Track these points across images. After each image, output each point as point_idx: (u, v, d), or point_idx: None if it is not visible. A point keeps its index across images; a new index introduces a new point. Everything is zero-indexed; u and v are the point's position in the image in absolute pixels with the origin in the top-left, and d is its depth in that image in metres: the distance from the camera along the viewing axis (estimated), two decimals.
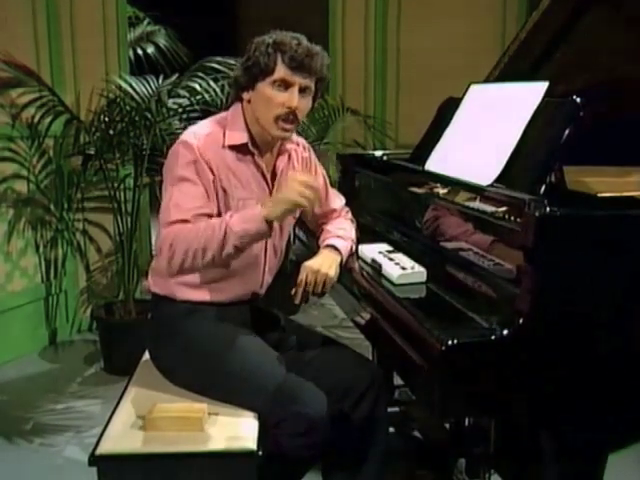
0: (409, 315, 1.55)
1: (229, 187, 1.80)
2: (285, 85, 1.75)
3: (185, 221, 1.70)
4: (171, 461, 1.63)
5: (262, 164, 1.86)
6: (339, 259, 1.91)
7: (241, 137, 1.82)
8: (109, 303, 3.59)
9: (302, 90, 1.76)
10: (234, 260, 1.78)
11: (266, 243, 1.89)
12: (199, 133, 1.80)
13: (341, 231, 2.01)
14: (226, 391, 1.76)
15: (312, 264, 1.84)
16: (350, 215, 2.13)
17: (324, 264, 1.85)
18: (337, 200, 2.12)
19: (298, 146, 1.99)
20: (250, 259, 1.86)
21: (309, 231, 2.18)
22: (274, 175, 1.90)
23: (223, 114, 1.89)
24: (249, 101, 1.81)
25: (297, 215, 1.99)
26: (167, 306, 1.87)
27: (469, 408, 1.48)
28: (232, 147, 1.81)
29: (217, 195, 1.79)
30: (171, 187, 1.76)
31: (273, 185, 1.89)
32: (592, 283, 1.40)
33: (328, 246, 1.94)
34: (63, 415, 2.91)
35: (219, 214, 1.77)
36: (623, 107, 1.97)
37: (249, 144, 1.82)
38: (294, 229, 2.24)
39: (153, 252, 4.18)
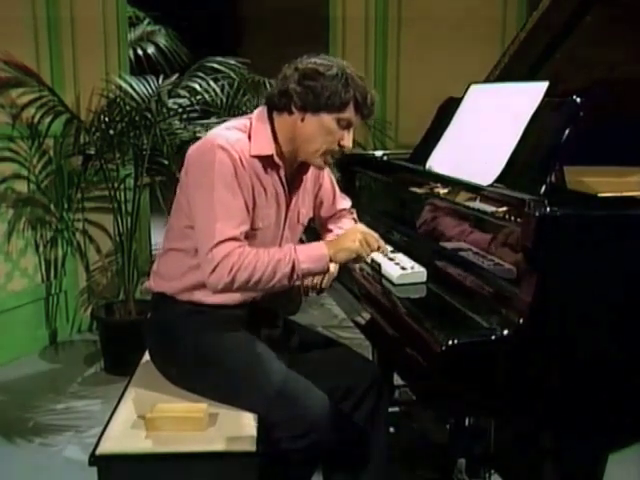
0: (409, 315, 1.55)
1: (258, 197, 1.77)
2: (346, 124, 1.76)
3: (235, 239, 1.67)
4: (171, 461, 1.63)
5: (284, 178, 1.83)
6: None
7: (267, 148, 1.77)
8: (109, 303, 3.59)
9: None
10: None
11: None
12: (230, 138, 1.73)
13: (341, 230, 2.01)
14: (226, 392, 1.76)
15: None
16: (355, 216, 2.14)
17: None
18: (343, 202, 2.13)
19: None
20: None
21: (314, 231, 2.18)
22: (293, 186, 1.88)
23: (242, 120, 1.83)
24: (302, 120, 1.74)
25: (305, 222, 1.99)
26: (168, 307, 1.87)
27: (469, 408, 1.48)
28: (257, 157, 1.77)
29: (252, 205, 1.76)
30: (210, 196, 1.68)
31: (291, 198, 1.87)
32: (592, 283, 1.40)
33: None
34: (63, 415, 2.91)
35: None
36: (623, 107, 1.97)
37: (274, 155, 1.78)
38: None
39: (153, 252, 4.19)
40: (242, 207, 1.72)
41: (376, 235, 1.79)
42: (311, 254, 1.71)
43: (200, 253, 1.71)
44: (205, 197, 1.70)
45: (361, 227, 1.83)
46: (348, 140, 1.78)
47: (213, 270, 1.66)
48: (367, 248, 1.75)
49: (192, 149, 1.78)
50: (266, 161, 1.78)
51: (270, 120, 1.80)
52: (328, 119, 1.73)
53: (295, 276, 1.70)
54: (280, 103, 1.76)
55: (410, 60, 4.40)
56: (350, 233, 1.78)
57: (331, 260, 1.73)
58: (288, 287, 1.77)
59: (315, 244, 1.79)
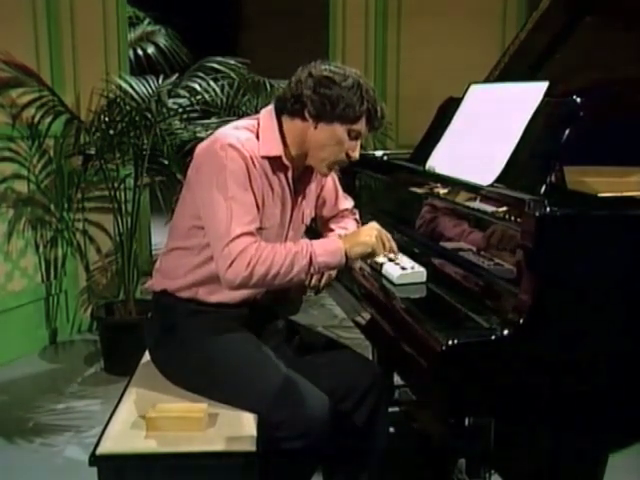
0: (409, 315, 1.55)
1: (266, 197, 1.78)
2: (356, 135, 1.77)
3: (251, 234, 1.67)
4: (171, 461, 1.63)
5: (291, 179, 1.84)
6: None
7: (276, 149, 1.77)
8: (109, 303, 3.59)
9: None
10: None
11: None
12: (241, 137, 1.73)
13: (343, 230, 2.02)
14: (226, 392, 1.76)
15: None
16: (357, 216, 2.14)
17: None
18: (345, 202, 2.13)
19: None
20: None
21: (315, 231, 2.18)
22: (298, 187, 1.88)
23: (249, 120, 1.83)
24: (315, 127, 1.74)
25: (308, 222, 2.00)
26: (169, 306, 1.87)
27: (469, 408, 1.48)
28: (266, 157, 1.77)
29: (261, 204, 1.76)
30: (224, 194, 1.68)
31: (297, 199, 1.88)
32: (592, 283, 1.40)
33: None
34: (63, 415, 2.91)
35: None
36: (623, 107, 1.97)
37: (283, 157, 1.79)
38: None
39: (153, 252, 4.19)
40: (254, 204, 1.72)
41: (389, 235, 1.80)
42: (327, 247, 1.72)
43: (215, 250, 1.70)
44: (218, 195, 1.69)
45: (377, 225, 1.83)
46: (356, 152, 1.79)
47: (230, 265, 1.65)
48: (381, 246, 1.76)
49: (201, 148, 1.77)
50: (275, 162, 1.78)
51: (278, 121, 1.80)
52: (340, 130, 1.74)
53: (312, 269, 1.70)
54: (292, 108, 1.76)
55: (410, 60, 4.40)
56: (367, 229, 1.79)
57: (346, 254, 1.72)
58: (296, 285, 1.77)
59: (329, 238, 1.82)
